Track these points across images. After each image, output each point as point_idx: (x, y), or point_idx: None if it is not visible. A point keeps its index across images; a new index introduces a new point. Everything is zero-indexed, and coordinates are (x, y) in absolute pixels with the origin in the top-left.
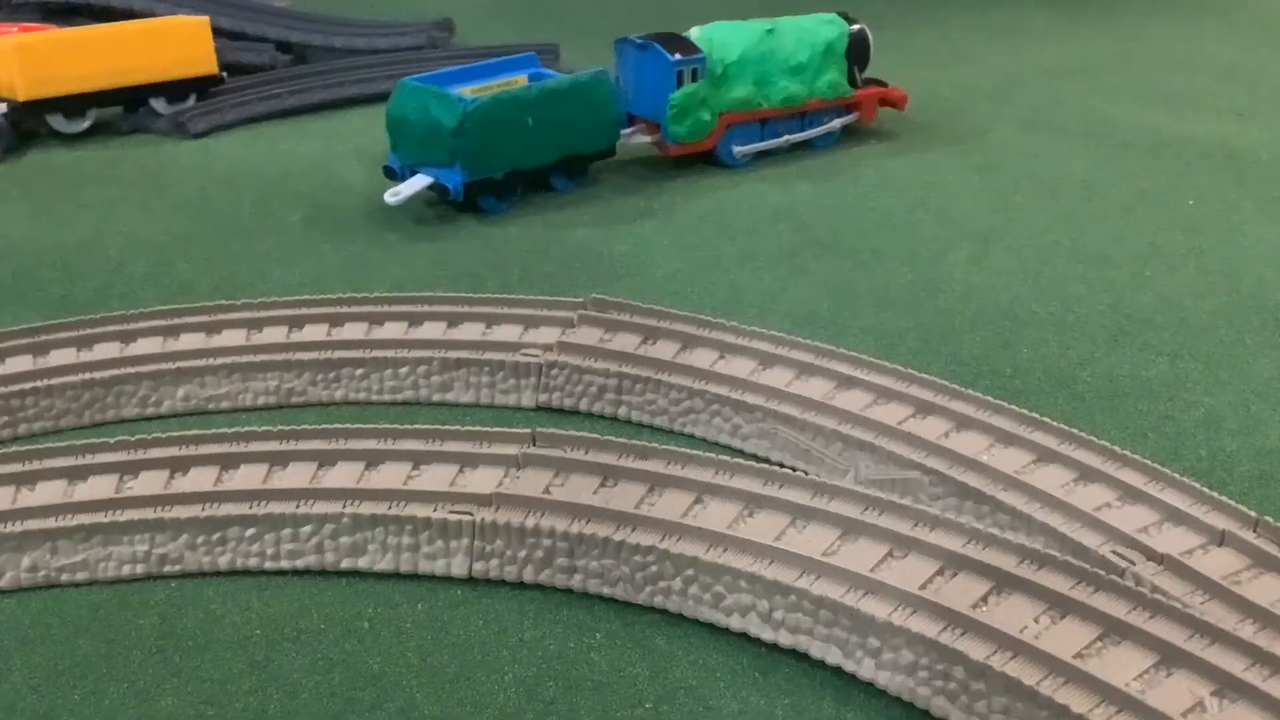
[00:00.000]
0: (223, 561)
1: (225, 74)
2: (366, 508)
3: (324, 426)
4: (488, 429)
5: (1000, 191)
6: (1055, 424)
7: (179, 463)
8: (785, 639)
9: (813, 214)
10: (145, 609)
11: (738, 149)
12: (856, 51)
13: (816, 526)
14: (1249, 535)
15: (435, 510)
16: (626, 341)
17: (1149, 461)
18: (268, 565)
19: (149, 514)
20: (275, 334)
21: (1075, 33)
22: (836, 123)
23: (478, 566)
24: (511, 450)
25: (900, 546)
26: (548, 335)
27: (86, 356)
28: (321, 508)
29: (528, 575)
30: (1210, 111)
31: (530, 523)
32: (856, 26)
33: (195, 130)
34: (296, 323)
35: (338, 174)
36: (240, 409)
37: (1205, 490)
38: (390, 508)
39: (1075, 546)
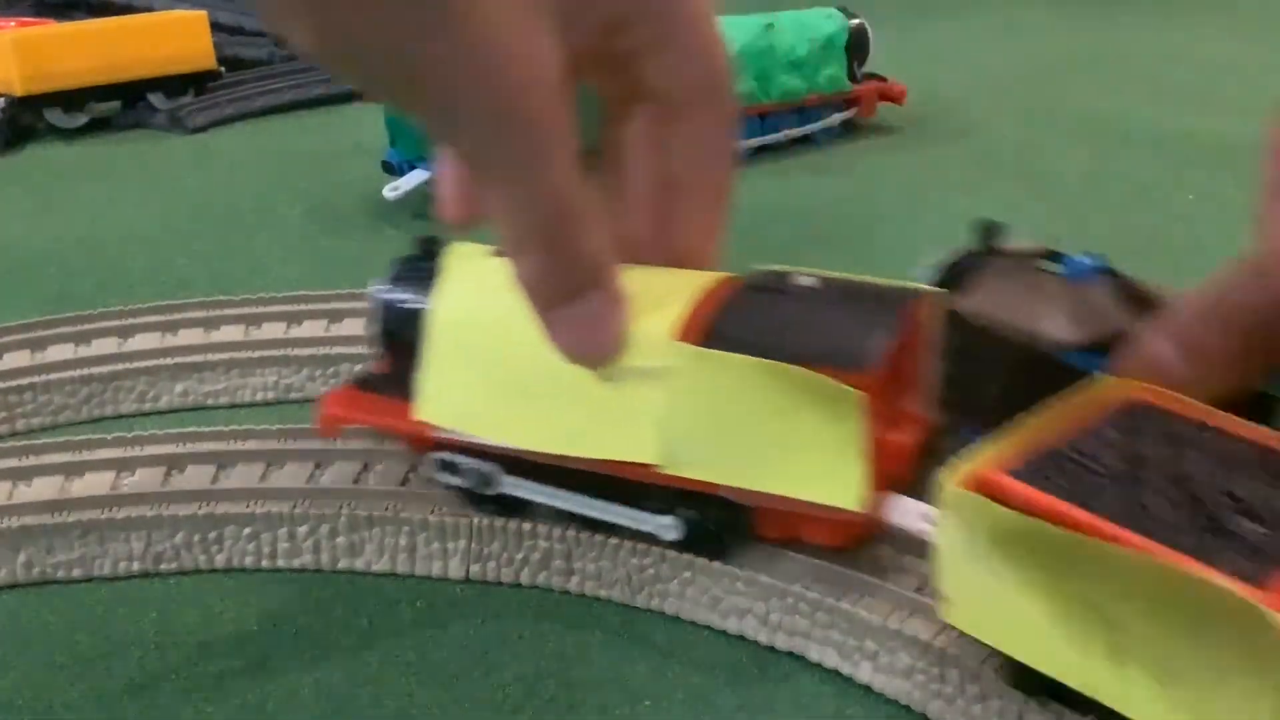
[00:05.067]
0: (220, 560)
1: (223, 69)
2: (363, 508)
3: None
4: None
5: (999, 186)
6: None
7: (176, 460)
8: (782, 642)
9: (812, 209)
10: (143, 606)
11: None
12: (856, 46)
13: None
14: None
15: (432, 512)
16: None
17: None
18: (264, 565)
19: (146, 511)
20: (274, 329)
21: (1075, 27)
22: (836, 117)
23: (475, 569)
24: None
25: (897, 549)
26: None
27: (84, 352)
28: (318, 508)
29: (525, 578)
30: (1211, 106)
31: (528, 525)
32: (856, 21)
33: (193, 125)
34: (295, 318)
35: (337, 169)
36: (238, 404)
37: None
38: (387, 509)
39: None
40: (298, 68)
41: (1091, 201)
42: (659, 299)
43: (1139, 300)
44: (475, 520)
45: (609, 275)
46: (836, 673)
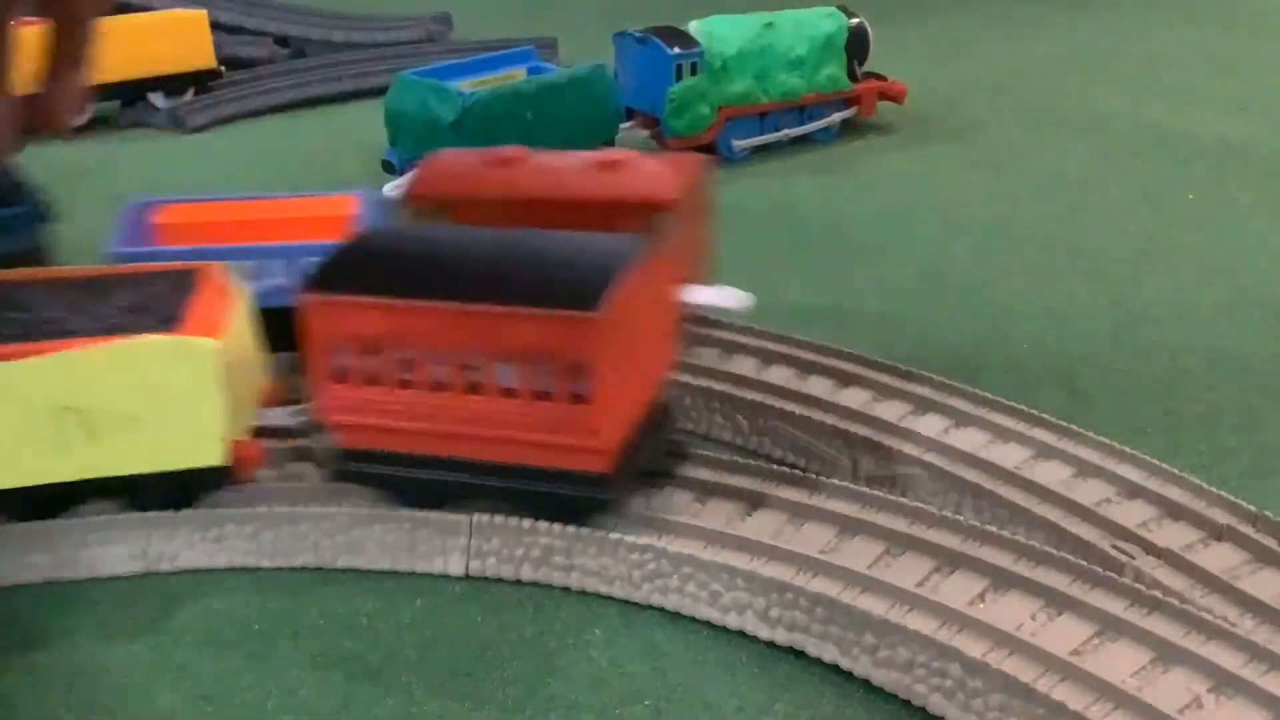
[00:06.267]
0: (220, 560)
1: (223, 68)
2: (364, 505)
3: None
4: None
5: (999, 186)
6: (1054, 420)
7: None
8: (782, 637)
9: (812, 208)
10: (143, 606)
11: (737, 143)
12: (856, 45)
13: (813, 525)
14: (1249, 530)
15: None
16: None
17: (1149, 457)
18: (264, 564)
19: (146, 511)
20: None
21: (1075, 26)
22: (835, 117)
23: (474, 565)
24: None
25: (897, 544)
26: None
27: None
28: (318, 505)
29: (524, 574)
30: (1211, 105)
31: (527, 522)
32: (856, 20)
33: (193, 125)
34: None
35: (337, 169)
36: None
37: (1205, 485)
38: (387, 506)
39: (1075, 541)
40: (298, 67)
41: (1092, 201)
42: None
43: None
44: (475, 517)
45: None
46: (836, 669)
